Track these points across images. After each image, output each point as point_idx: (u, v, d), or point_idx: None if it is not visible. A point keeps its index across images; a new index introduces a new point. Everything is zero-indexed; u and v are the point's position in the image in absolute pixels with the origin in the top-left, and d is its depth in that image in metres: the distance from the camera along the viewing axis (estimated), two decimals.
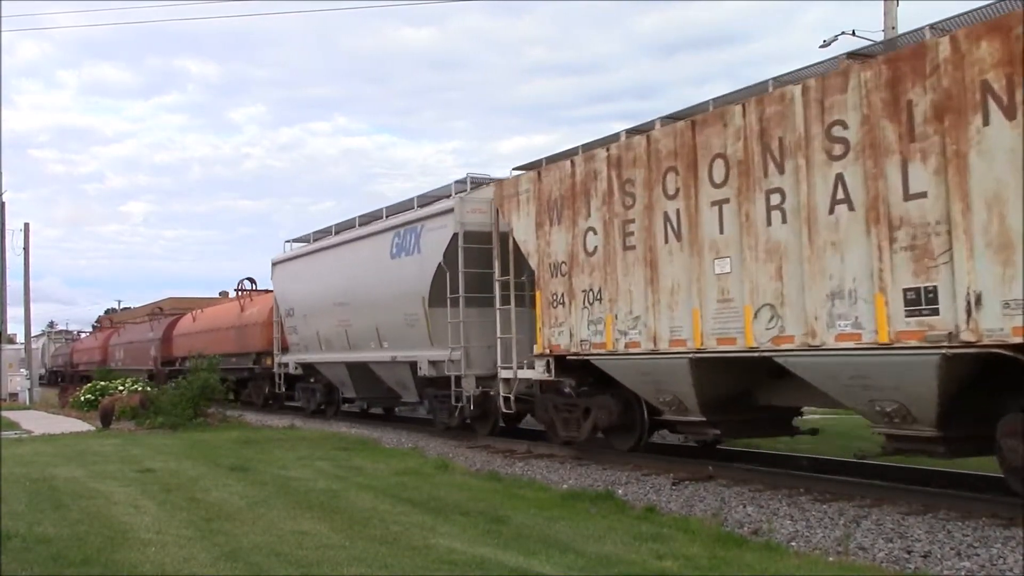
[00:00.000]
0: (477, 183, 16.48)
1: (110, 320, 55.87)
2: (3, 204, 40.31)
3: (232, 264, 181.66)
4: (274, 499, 10.30)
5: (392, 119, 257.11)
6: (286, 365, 23.68)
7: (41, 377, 55.87)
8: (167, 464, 13.59)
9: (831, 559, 7.62)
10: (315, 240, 22.47)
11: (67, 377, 50.32)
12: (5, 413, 26.20)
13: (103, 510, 9.73)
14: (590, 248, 12.31)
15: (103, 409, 22.68)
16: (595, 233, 12.22)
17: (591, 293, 12.27)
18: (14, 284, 44.41)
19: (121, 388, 26.50)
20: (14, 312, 50.80)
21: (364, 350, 19.08)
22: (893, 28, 19.59)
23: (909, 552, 7.68)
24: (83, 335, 62.86)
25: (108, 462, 14.04)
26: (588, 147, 12.74)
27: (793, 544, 8.24)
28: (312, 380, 23.22)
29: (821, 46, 22.58)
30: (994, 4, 8.28)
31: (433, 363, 16.18)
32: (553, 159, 13.51)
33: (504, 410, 14.64)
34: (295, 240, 23.78)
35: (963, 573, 7.13)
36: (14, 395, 38.53)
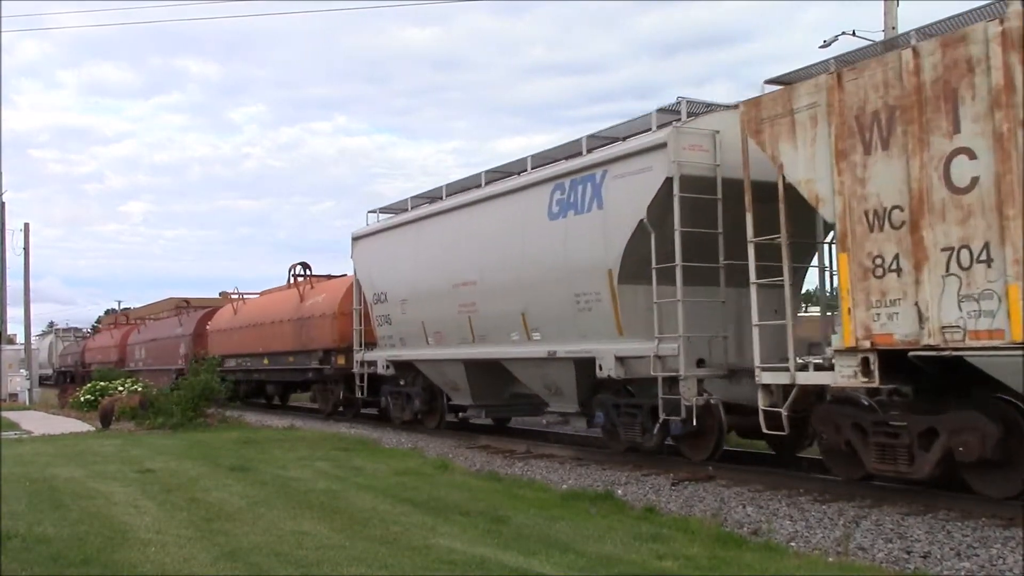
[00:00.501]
0: (695, 112, 11.90)
1: (126, 316, 51.68)
2: (3, 204, 40.44)
3: (232, 264, 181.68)
4: (274, 499, 10.30)
5: (392, 119, 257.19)
6: (372, 364, 19.09)
7: (48, 378, 54.83)
8: (167, 464, 13.59)
9: (831, 559, 7.63)
10: (414, 207, 17.89)
11: (77, 378, 46.83)
12: (5, 413, 26.19)
13: (103, 510, 9.73)
14: (960, 182, 8.23)
15: (103, 409, 22.69)
16: (972, 157, 8.14)
17: (965, 252, 8.21)
18: (14, 284, 44.54)
19: (121, 388, 26.50)
20: (14, 312, 50.88)
21: (499, 343, 14.68)
22: (893, 28, 19.58)
23: (909, 552, 7.69)
24: (87, 332, 60.53)
25: (108, 462, 14.03)
26: (927, 31, 8.97)
27: (793, 544, 8.25)
28: (402, 383, 18.78)
29: (821, 46, 22.58)
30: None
31: (622, 360, 12.09)
32: (849, 58, 9.70)
33: (766, 430, 10.25)
34: (384, 209, 19.27)
35: (963, 573, 7.13)
36: (14, 395, 38.54)
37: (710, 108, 11.98)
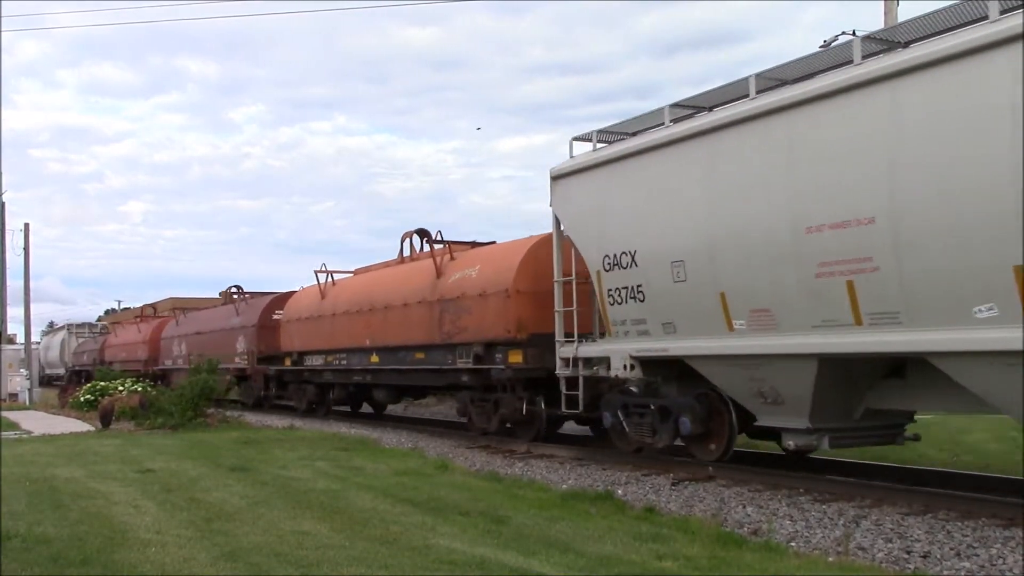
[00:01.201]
0: None
1: (153, 308, 46.12)
2: (3, 204, 40.49)
3: (232, 264, 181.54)
4: (274, 499, 10.30)
5: (392, 119, 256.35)
6: (599, 362, 13.04)
7: (59, 378, 53.33)
8: (167, 464, 13.59)
9: (831, 559, 7.62)
10: (674, 120, 11.74)
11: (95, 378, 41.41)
12: (5, 413, 26.22)
13: (103, 510, 9.73)
14: None
15: (103, 409, 22.71)
16: None
17: None
18: (14, 284, 44.55)
19: (121, 388, 26.54)
20: (14, 312, 50.87)
21: (931, 326, 8.62)
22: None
23: (909, 552, 7.69)
24: (104, 328, 56.70)
25: (108, 462, 14.03)
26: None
27: (793, 544, 8.25)
28: (635, 390, 12.84)
29: (821, 46, 22.57)
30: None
31: None
32: None
33: None
34: (606, 131, 13.09)
35: (963, 573, 7.14)
36: (14, 395, 38.60)
37: None
